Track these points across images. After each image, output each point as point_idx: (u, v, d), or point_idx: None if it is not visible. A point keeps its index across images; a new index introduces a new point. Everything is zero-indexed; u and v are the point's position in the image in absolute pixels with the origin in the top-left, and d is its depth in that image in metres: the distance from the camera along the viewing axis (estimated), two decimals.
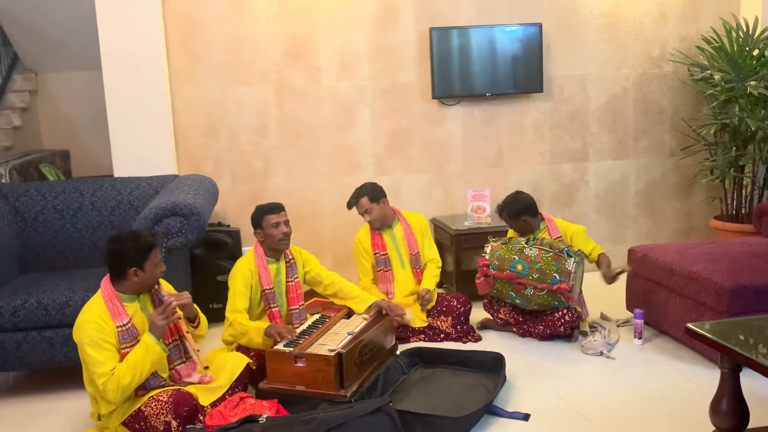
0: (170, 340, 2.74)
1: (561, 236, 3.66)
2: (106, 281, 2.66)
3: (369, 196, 3.72)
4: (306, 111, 4.48)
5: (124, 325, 2.58)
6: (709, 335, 2.31)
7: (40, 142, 6.39)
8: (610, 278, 3.56)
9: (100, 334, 2.52)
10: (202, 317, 2.88)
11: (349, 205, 3.75)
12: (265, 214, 3.21)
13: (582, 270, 3.56)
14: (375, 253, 3.78)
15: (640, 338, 3.51)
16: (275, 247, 3.24)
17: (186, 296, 2.75)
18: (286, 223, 3.25)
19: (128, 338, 2.58)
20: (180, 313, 2.71)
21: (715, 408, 2.33)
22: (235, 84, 4.37)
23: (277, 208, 3.25)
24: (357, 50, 4.47)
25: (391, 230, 3.82)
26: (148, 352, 2.55)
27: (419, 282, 3.83)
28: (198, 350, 2.80)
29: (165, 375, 2.74)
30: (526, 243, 3.54)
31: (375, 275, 3.83)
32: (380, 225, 3.77)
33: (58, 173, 5.09)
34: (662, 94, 4.89)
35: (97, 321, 2.54)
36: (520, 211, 3.67)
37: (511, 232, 3.82)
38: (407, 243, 3.81)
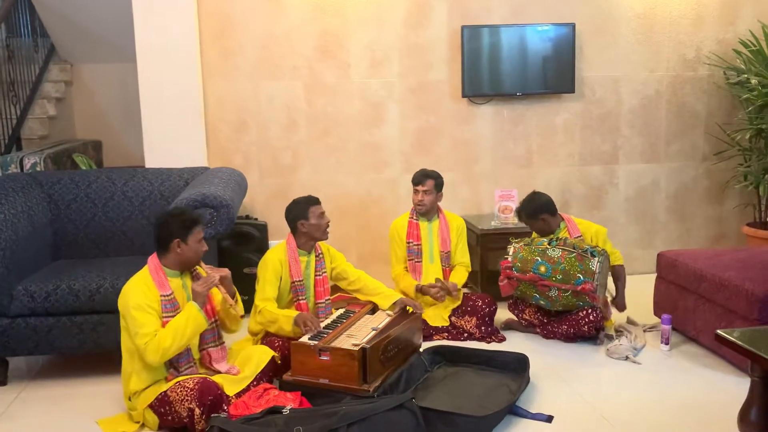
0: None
1: (581, 236, 3.63)
2: (153, 256, 2.81)
3: (436, 181, 3.79)
4: (335, 107, 4.49)
5: (167, 295, 2.72)
6: (740, 342, 2.27)
7: (74, 132, 6.51)
8: (621, 309, 3.71)
9: (145, 300, 2.67)
10: (239, 297, 2.96)
11: (417, 181, 3.79)
12: (311, 205, 3.28)
13: (606, 269, 3.53)
14: (408, 242, 3.81)
15: (667, 344, 3.46)
16: (318, 237, 3.31)
17: (225, 270, 2.87)
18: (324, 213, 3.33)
19: (170, 308, 2.72)
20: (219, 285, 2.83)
21: (743, 417, 2.29)
22: (266, 79, 4.40)
23: (317, 199, 3.34)
24: (387, 47, 4.47)
25: (429, 223, 3.84)
26: (190, 319, 2.68)
27: (446, 279, 3.83)
28: (235, 301, 2.89)
29: (196, 357, 2.81)
30: (549, 244, 3.51)
31: (407, 265, 3.85)
32: (426, 212, 3.80)
33: (90, 163, 5.17)
34: (696, 98, 4.81)
35: (142, 287, 2.70)
36: (538, 209, 3.65)
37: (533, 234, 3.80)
38: (441, 239, 3.82)
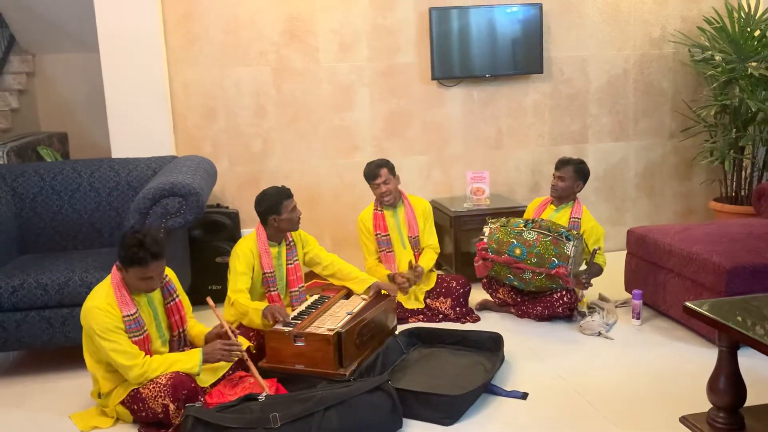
0: (176, 332, 2.79)
1: (578, 218, 3.63)
2: (115, 269, 2.67)
3: (388, 167, 3.73)
4: (304, 92, 4.45)
5: (131, 314, 2.61)
6: (708, 313, 2.32)
7: (38, 125, 6.35)
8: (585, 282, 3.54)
9: (110, 322, 2.57)
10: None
11: (372, 176, 3.72)
12: (284, 200, 3.18)
13: (581, 252, 3.56)
14: (377, 234, 3.78)
15: (638, 319, 3.52)
16: (290, 230, 3.26)
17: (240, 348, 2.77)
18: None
19: (135, 327, 2.61)
20: (244, 354, 2.77)
21: (712, 386, 2.34)
22: (233, 65, 4.34)
23: (289, 192, 3.24)
24: (356, 30, 4.43)
25: (395, 211, 3.82)
26: (188, 365, 2.63)
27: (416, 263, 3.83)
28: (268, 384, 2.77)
29: None
30: (525, 226, 3.52)
31: (378, 256, 3.84)
32: (393, 200, 3.76)
33: (56, 155, 5.06)
34: (663, 76, 4.86)
35: (105, 308, 2.58)
36: (584, 171, 3.70)
37: (527, 212, 3.84)
38: (408, 225, 3.81)
